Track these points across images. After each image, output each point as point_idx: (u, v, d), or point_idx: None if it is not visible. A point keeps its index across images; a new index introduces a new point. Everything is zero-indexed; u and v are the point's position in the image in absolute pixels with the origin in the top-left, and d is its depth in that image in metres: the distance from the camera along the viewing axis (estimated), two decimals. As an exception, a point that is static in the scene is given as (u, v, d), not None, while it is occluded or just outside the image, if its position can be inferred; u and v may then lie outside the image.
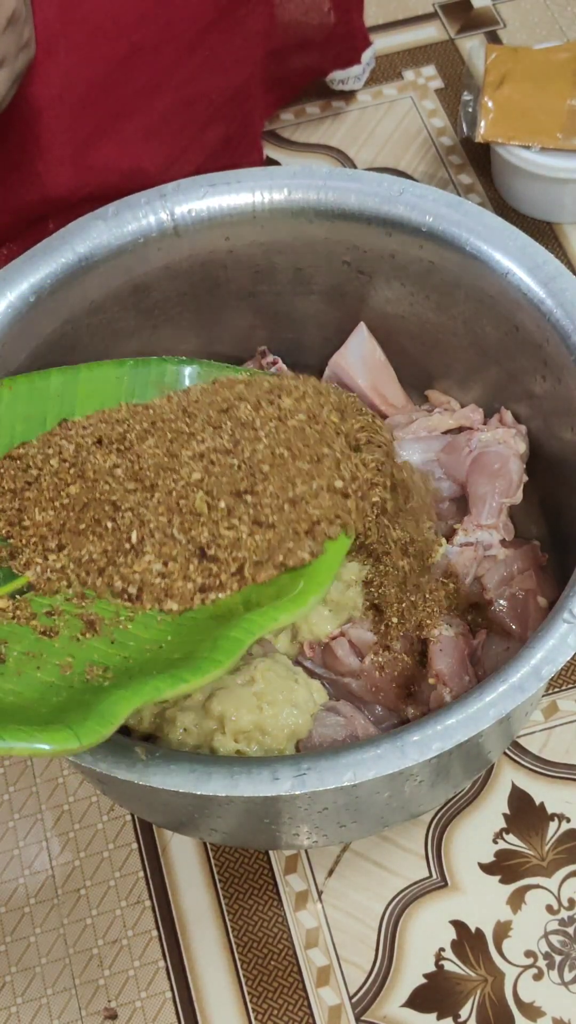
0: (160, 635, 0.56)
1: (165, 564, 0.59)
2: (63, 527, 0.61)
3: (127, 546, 0.59)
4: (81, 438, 0.64)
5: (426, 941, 0.74)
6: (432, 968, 0.74)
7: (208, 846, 0.78)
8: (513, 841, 0.77)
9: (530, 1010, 0.72)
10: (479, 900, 0.75)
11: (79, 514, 0.61)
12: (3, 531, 0.62)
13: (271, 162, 1.10)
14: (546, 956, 0.74)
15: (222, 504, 0.60)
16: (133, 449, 0.63)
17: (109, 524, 0.60)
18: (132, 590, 0.59)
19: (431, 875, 0.76)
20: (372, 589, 0.69)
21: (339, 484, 0.62)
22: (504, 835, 0.77)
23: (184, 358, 0.73)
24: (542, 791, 0.79)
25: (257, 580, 0.59)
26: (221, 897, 0.77)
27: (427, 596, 0.69)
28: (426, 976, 0.73)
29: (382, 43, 1.17)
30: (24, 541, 0.61)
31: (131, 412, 0.66)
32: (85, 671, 0.54)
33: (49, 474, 0.62)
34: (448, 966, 0.74)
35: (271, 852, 0.77)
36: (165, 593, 0.59)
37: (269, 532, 0.60)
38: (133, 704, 0.49)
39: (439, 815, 0.78)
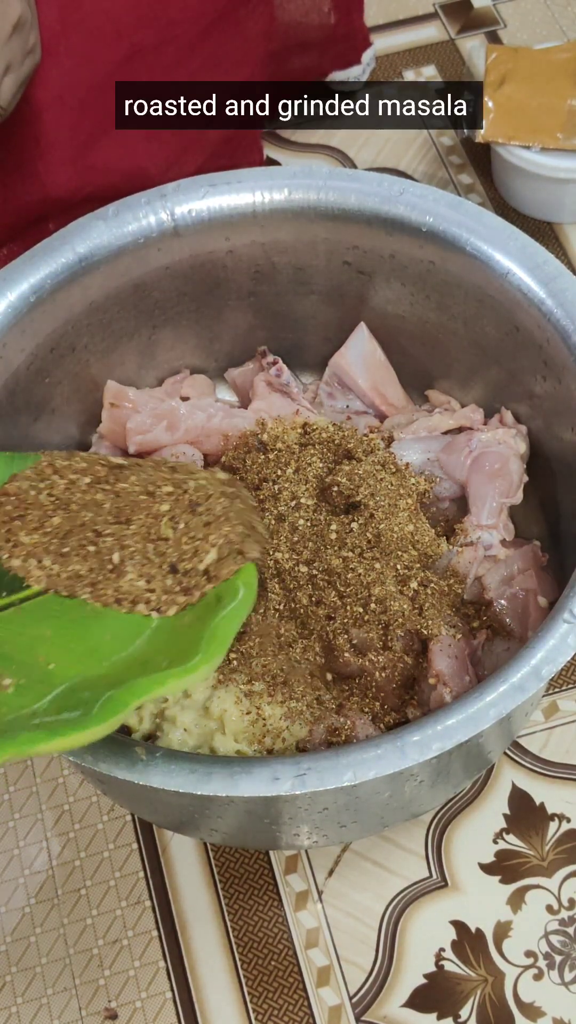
0: (34, 701, 0.56)
1: (148, 581, 0.61)
2: (47, 550, 0.63)
3: (110, 567, 0.62)
4: (74, 474, 0.67)
5: (426, 941, 0.74)
6: (432, 968, 0.74)
7: (208, 846, 0.78)
8: (513, 841, 0.77)
9: (530, 1010, 0.72)
10: (479, 900, 0.75)
11: (62, 540, 0.63)
12: None
13: (271, 162, 1.10)
14: (546, 956, 0.74)
15: (181, 525, 0.63)
16: (115, 488, 0.67)
17: (92, 548, 0.63)
18: (126, 601, 0.61)
19: (431, 875, 0.76)
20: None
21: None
22: (504, 835, 0.77)
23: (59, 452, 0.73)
24: (542, 791, 0.79)
25: (221, 576, 0.60)
26: (221, 897, 0.76)
27: (428, 595, 0.69)
28: (426, 976, 0.73)
29: (382, 43, 1.17)
30: (17, 554, 0.64)
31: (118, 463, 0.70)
32: None
33: (36, 507, 0.66)
34: (448, 966, 0.74)
35: (271, 852, 0.77)
36: (158, 603, 0.61)
37: (225, 526, 0.62)
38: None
39: (439, 815, 0.78)
